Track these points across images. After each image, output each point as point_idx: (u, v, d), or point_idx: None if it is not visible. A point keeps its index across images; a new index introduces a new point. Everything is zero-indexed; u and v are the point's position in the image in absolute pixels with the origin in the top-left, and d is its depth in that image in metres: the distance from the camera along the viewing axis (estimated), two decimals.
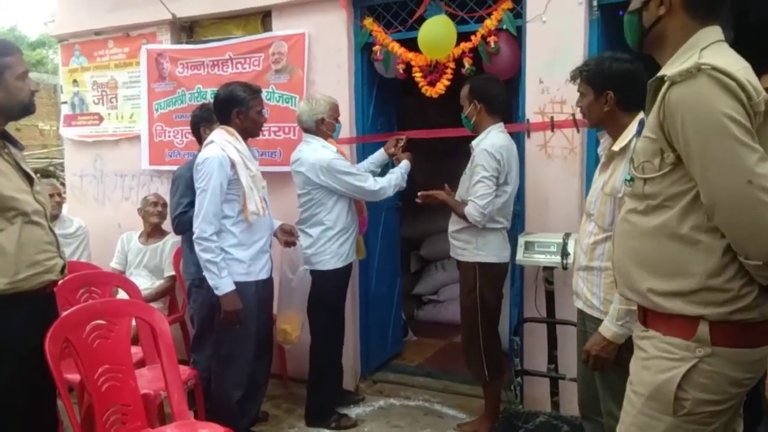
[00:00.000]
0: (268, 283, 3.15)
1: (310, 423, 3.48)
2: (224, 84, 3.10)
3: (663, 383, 1.42)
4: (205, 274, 2.90)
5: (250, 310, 2.98)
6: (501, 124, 3.11)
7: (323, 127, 3.34)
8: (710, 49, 1.40)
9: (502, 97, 3.12)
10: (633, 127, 2.13)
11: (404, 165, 3.51)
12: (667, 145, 1.40)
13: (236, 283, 2.92)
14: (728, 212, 1.32)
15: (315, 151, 3.29)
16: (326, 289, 3.35)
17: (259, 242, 3.03)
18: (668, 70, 1.41)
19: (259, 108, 3.06)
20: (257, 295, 3.04)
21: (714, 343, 1.39)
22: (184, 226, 3.30)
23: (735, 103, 1.29)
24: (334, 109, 3.39)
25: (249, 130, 3.04)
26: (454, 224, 3.18)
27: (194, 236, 2.90)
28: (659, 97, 1.39)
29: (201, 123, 3.45)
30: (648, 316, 1.51)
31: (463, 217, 3.04)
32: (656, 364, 1.45)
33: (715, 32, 1.45)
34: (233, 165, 2.87)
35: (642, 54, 1.66)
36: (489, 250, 3.08)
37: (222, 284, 2.88)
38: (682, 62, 1.40)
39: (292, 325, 3.34)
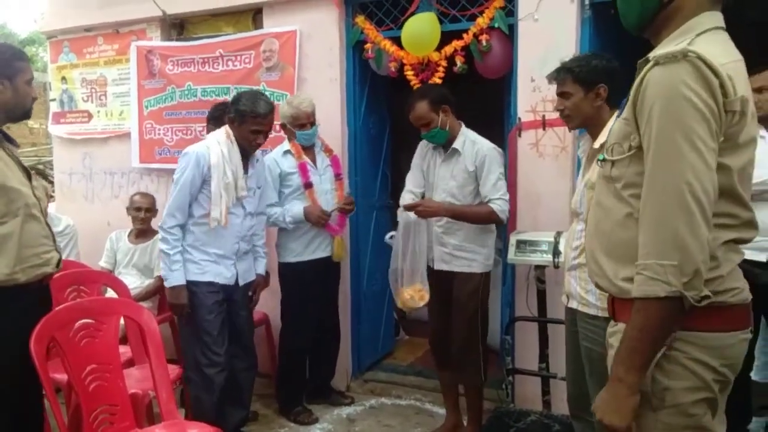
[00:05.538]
0: (237, 288, 3.07)
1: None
2: (251, 88, 3.13)
3: None
4: (160, 263, 2.90)
5: (204, 308, 2.93)
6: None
7: (285, 131, 3.46)
8: (705, 36, 1.35)
9: (454, 98, 3.09)
10: (611, 123, 2.13)
11: (297, 212, 3.31)
12: (635, 127, 1.36)
13: (189, 281, 2.91)
14: (647, 199, 1.30)
15: (274, 151, 3.47)
16: (281, 281, 3.48)
17: (220, 249, 2.97)
18: (658, 51, 1.36)
19: (255, 128, 2.93)
20: (215, 294, 2.97)
21: (680, 328, 1.33)
22: None
23: (709, 98, 1.25)
24: (296, 117, 3.35)
25: (239, 143, 2.97)
26: (458, 236, 3.05)
27: (158, 224, 2.94)
28: (639, 77, 1.34)
29: (209, 121, 3.46)
30: (616, 307, 1.47)
31: (485, 220, 3.00)
32: None
33: (714, 18, 1.39)
34: (210, 167, 2.87)
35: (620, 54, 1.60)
36: (491, 259, 3.11)
37: (171, 276, 2.89)
38: (675, 45, 1.34)
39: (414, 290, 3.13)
